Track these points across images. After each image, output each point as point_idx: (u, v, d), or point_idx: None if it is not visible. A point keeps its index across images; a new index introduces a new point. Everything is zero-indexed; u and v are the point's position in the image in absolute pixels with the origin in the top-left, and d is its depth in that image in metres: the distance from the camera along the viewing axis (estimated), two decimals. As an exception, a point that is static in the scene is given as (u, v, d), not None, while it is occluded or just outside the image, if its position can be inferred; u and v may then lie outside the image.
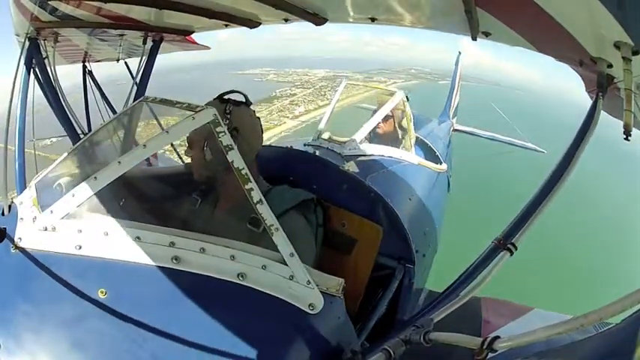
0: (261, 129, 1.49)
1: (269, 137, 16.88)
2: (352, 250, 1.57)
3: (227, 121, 1.32)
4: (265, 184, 1.45)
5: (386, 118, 2.99)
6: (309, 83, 26.28)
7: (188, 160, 1.48)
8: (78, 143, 1.43)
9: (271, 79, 27.79)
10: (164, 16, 2.14)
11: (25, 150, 2.18)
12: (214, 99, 1.42)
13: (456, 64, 6.60)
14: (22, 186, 1.98)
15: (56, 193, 1.12)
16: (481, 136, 6.12)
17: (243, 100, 1.43)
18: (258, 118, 1.47)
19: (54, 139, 2.62)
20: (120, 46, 2.88)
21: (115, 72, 3.22)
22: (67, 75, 2.98)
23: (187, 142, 1.36)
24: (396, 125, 3.08)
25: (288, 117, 19.63)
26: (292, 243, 1.03)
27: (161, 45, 2.76)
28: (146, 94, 2.66)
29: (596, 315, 0.58)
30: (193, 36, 2.78)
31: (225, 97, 1.42)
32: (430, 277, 2.39)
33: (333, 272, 1.13)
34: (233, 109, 1.36)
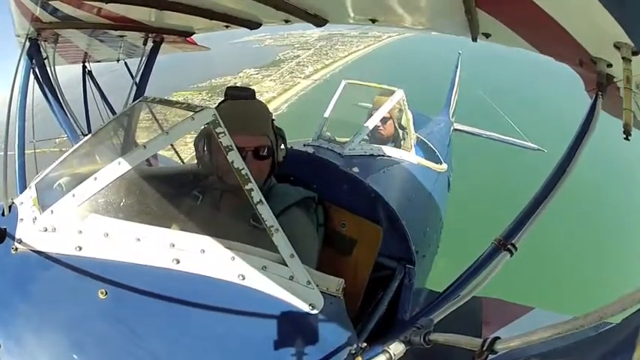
0: None
1: (289, 97, 16.94)
2: (352, 251, 1.57)
3: None
4: (271, 180, 1.47)
5: (385, 120, 2.99)
6: (307, 44, 25.71)
7: (188, 159, 1.50)
8: (78, 143, 1.43)
9: (269, 44, 27.17)
10: (164, 17, 2.14)
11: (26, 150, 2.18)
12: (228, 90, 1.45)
13: (456, 64, 6.59)
14: (23, 186, 1.98)
15: (56, 194, 1.12)
16: (481, 136, 6.12)
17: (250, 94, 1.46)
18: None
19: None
20: (120, 46, 2.89)
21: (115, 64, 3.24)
22: (65, 69, 2.99)
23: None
24: (396, 126, 3.08)
25: (300, 77, 19.77)
26: (295, 238, 1.03)
27: (161, 46, 2.76)
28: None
29: (596, 315, 0.57)
30: (193, 37, 2.78)
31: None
32: (430, 277, 2.40)
33: (333, 272, 1.13)
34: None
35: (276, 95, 17.04)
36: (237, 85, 19.23)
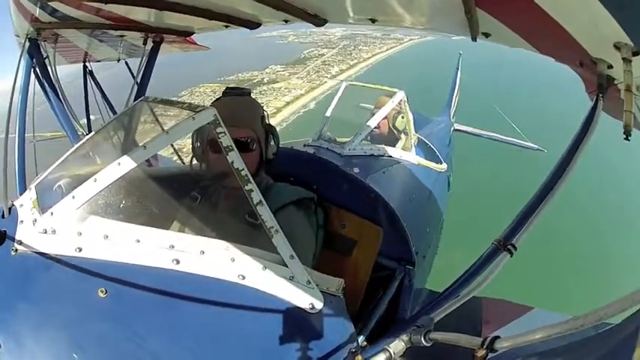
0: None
1: (316, 95, 17.09)
2: (352, 251, 1.57)
3: None
4: (267, 180, 1.47)
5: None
6: (331, 43, 25.82)
7: (187, 160, 1.50)
8: (78, 144, 1.43)
9: (292, 40, 27.30)
10: (164, 17, 2.14)
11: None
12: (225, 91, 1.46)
13: (457, 65, 6.59)
14: (23, 187, 1.98)
15: (56, 195, 1.12)
16: (482, 136, 6.12)
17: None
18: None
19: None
20: (120, 46, 2.89)
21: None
22: (67, 67, 2.99)
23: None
24: (390, 126, 3.10)
25: (326, 77, 20.10)
26: (290, 235, 1.04)
27: (161, 45, 2.77)
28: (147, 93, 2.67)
29: (596, 315, 0.58)
30: (193, 36, 2.78)
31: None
32: (430, 277, 2.40)
33: (333, 273, 1.13)
34: None
35: (304, 92, 17.41)
36: (265, 80, 19.24)
